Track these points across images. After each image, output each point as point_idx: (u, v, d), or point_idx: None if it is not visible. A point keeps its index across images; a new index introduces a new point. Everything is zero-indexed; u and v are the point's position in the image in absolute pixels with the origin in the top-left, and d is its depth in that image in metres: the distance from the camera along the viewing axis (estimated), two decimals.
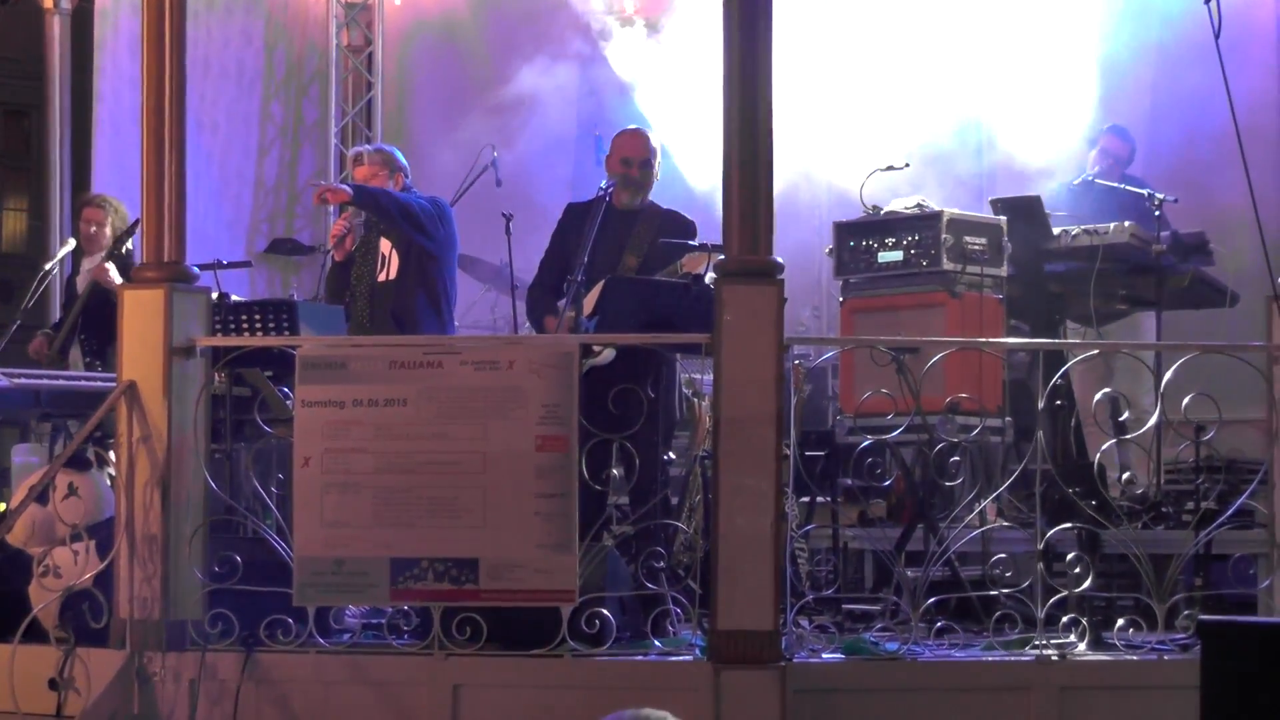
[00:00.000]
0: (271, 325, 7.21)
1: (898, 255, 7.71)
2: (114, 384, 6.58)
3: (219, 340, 6.66)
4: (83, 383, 8.22)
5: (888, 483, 7.30)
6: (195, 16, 8.03)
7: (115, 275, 8.65)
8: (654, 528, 6.84)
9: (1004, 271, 7.73)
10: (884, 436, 6.87)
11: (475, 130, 10.65)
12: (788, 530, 6.34)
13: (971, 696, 6.16)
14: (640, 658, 6.22)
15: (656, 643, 6.26)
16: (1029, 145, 9.64)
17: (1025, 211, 8.06)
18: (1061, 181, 8.89)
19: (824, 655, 6.26)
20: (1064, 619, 6.39)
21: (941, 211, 7.67)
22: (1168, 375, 6.49)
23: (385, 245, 8.30)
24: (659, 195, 7.80)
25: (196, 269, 6.59)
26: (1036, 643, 6.25)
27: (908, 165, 8.24)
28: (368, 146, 8.85)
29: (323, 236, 10.83)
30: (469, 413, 6.16)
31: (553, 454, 6.11)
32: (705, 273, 7.01)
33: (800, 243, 9.44)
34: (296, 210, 11.95)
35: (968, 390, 7.13)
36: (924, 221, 7.67)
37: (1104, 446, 7.13)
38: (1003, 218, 7.87)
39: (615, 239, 7.53)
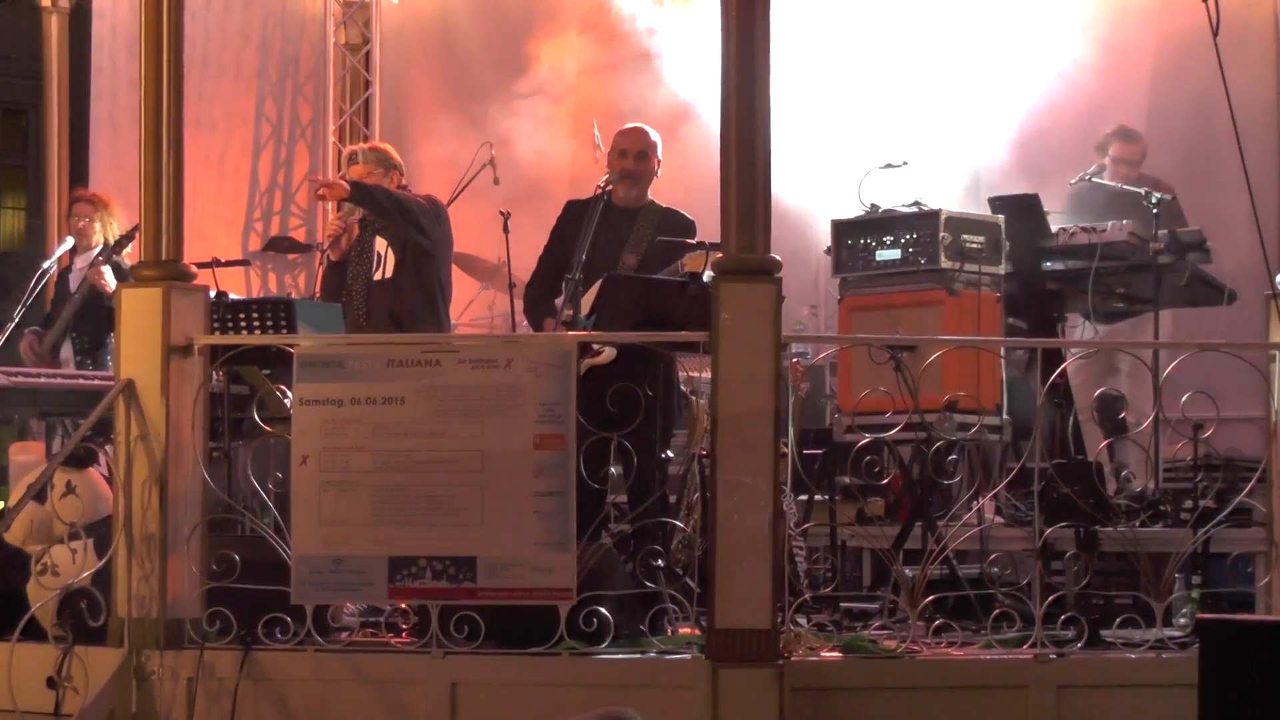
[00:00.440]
0: (269, 323, 7.21)
1: (896, 253, 7.70)
2: (112, 382, 6.58)
3: (217, 339, 6.66)
4: (81, 381, 8.22)
5: (885, 481, 7.30)
6: (193, 15, 8.01)
7: (110, 279, 8.65)
8: (652, 526, 6.83)
9: (1002, 269, 7.73)
10: (882, 434, 6.88)
11: (473, 128, 10.65)
12: (786, 528, 6.34)
13: (969, 694, 6.16)
14: (638, 656, 6.22)
15: (655, 641, 6.26)
16: (1029, 143, 9.65)
17: (1023, 209, 8.06)
18: (1062, 180, 8.89)
19: (822, 653, 6.26)
20: (1062, 617, 6.39)
21: (940, 209, 7.67)
22: (1165, 373, 6.50)
23: (381, 244, 8.30)
24: (664, 190, 7.80)
25: (194, 267, 6.59)
26: (1034, 641, 6.25)
27: (906, 163, 8.24)
28: (362, 145, 8.85)
29: (320, 235, 10.82)
30: (467, 411, 6.16)
31: (551, 452, 6.11)
32: (703, 271, 7.01)
33: (798, 241, 9.43)
34: (294, 209, 11.94)
35: (966, 388, 7.12)
36: (922, 219, 7.67)
37: (1101, 445, 7.14)
38: (1001, 216, 7.86)
39: (614, 237, 7.52)
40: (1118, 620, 6.47)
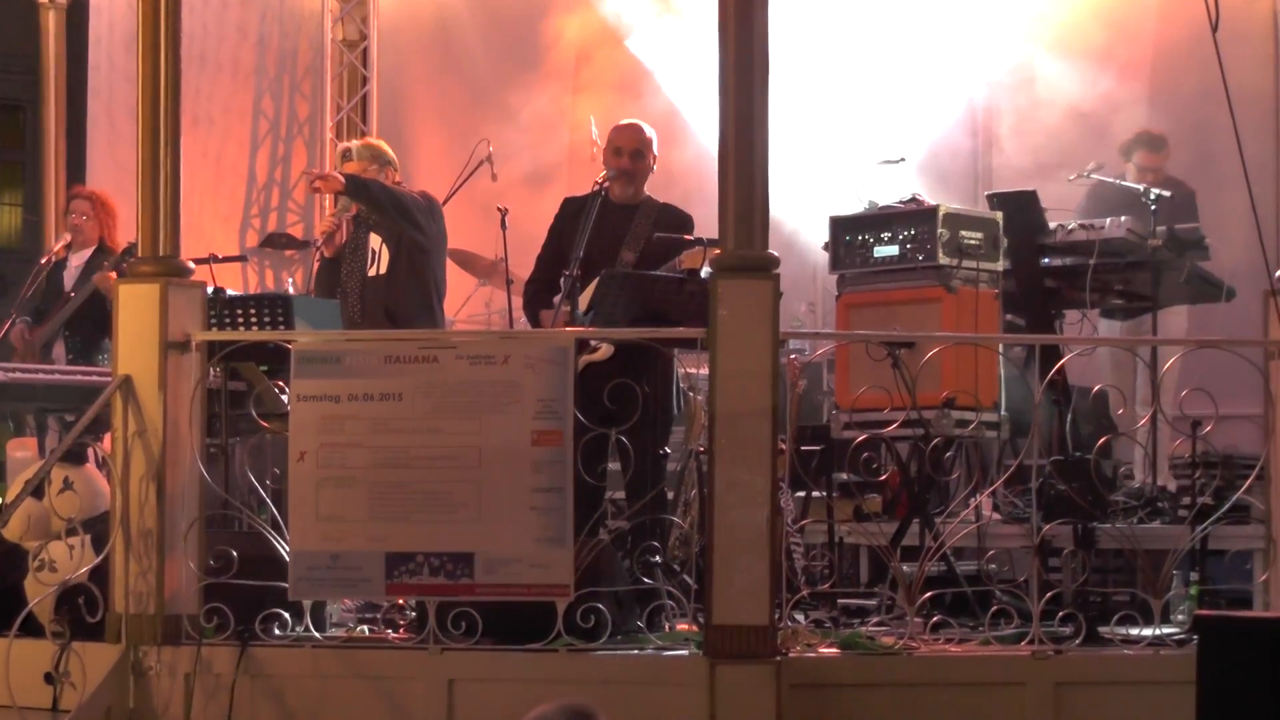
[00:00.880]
0: (267, 319, 7.21)
1: (893, 250, 7.69)
2: (109, 378, 6.58)
3: (214, 335, 6.66)
4: (78, 377, 8.22)
5: (883, 478, 7.30)
6: (190, 11, 7.98)
7: None
8: (650, 522, 6.83)
9: (1000, 266, 7.72)
10: (880, 431, 6.87)
11: (470, 124, 10.65)
12: (783, 525, 6.33)
13: (967, 691, 6.15)
14: (636, 652, 6.21)
15: (652, 637, 6.26)
16: (1028, 139, 9.65)
17: (1021, 206, 8.06)
18: (1063, 177, 8.89)
19: (819, 650, 6.26)
20: (1060, 614, 6.39)
21: (938, 206, 7.66)
22: (1164, 370, 6.50)
23: (375, 240, 8.28)
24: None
25: (191, 263, 6.59)
26: (1032, 638, 6.25)
27: (904, 160, 8.24)
28: (356, 142, 8.83)
29: (317, 231, 10.81)
30: (464, 407, 6.16)
31: (548, 448, 6.11)
32: (701, 267, 7.01)
33: (796, 237, 9.43)
34: (291, 205, 11.93)
35: (963, 385, 7.13)
36: (920, 216, 7.66)
37: (1100, 442, 7.13)
38: (999, 212, 7.86)
39: (612, 234, 7.51)
40: (1116, 617, 6.47)
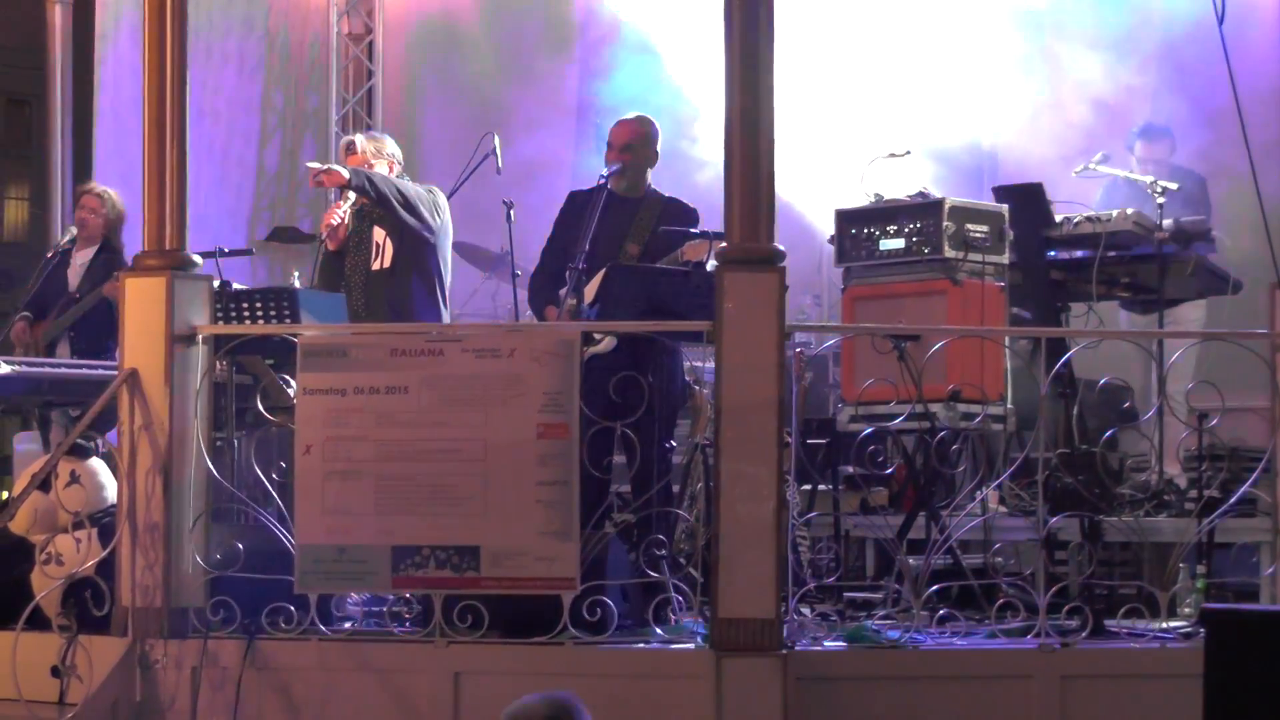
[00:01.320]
0: (273, 313, 7.20)
1: (899, 243, 7.69)
2: (115, 372, 6.58)
3: (220, 328, 6.66)
4: (84, 371, 8.21)
5: (889, 470, 7.30)
6: (196, 4, 7.99)
7: None
8: (655, 515, 6.83)
9: (1006, 259, 7.71)
10: (886, 424, 6.87)
11: (476, 117, 10.64)
12: (789, 518, 6.33)
13: (973, 684, 6.15)
14: (642, 646, 6.22)
15: (658, 630, 6.26)
16: (1033, 132, 9.63)
17: (1027, 199, 8.05)
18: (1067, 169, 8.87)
19: (825, 643, 6.26)
20: (1066, 607, 6.39)
21: (943, 199, 7.66)
22: (1170, 363, 6.49)
23: (379, 234, 8.26)
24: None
25: (198, 257, 6.59)
26: (1038, 631, 6.24)
27: (909, 153, 8.22)
28: (359, 134, 8.82)
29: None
30: (470, 400, 6.16)
31: (554, 441, 6.11)
32: (707, 260, 7.00)
33: (801, 230, 9.42)
34: (298, 198, 11.93)
35: (969, 378, 7.12)
36: (926, 209, 7.65)
37: (1106, 435, 7.13)
38: (1005, 205, 7.85)
39: (617, 227, 7.52)
40: (1122, 610, 6.46)
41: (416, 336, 6.39)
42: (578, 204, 7.63)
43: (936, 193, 7.83)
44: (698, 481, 7.24)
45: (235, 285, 7.52)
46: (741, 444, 6.04)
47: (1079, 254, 8.04)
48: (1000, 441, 7.60)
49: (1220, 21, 6.16)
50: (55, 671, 6.15)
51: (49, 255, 9.38)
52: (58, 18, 10.90)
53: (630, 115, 7.81)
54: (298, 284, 8.04)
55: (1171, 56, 9.73)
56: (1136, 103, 9.51)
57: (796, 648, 6.11)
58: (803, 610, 6.50)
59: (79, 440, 6.67)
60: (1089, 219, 8.01)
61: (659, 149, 7.73)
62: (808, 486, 7.57)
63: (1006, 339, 7.44)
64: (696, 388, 7.66)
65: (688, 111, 9.63)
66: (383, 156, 8.36)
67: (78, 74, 11.33)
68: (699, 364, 7.39)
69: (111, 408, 6.42)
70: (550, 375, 6.13)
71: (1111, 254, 7.90)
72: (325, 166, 8.18)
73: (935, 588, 6.42)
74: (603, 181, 7.52)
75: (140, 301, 6.39)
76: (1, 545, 6.74)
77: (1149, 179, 8.31)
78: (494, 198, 8.75)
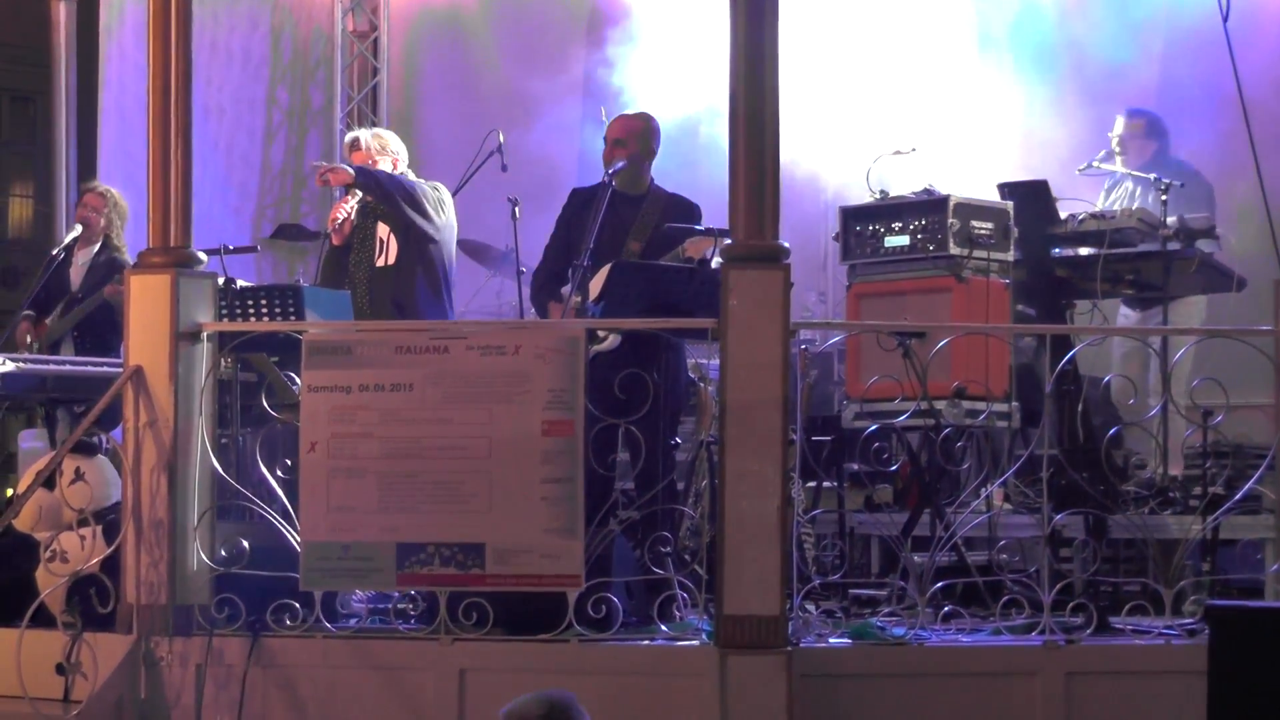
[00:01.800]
0: (278, 310, 7.21)
1: (904, 240, 7.68)
2: (120, 370, 6.58)
3: (225, 325, 6.67)
4: (89, 368, 8.22)
5: (894, 467, 7.30)
6: (201, 1, 8.01)
7: None
8: (660, 513, 6.83)
9: (1011, 256, 7.71)
10: (890, 421, 6.87)
11: (481, 114, 10.63)
12: (794, 515, 6.33)
13: (978, 681, 6.16)
14: (646, 643, 6.22)
15: (663, 627, 6.27)
16: (1038, 130, 9.62)
17: (1032, 196, 8.05)
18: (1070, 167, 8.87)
19: (830, 640, 6.27)
20: (1071, 604, 6.38)
21: (948, 196, 7.65)
22: (1175, 360, 6.49)
23: (383, 230, 8.27)
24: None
25: (203, 254, 6.60)
26: (1043, 628, 6.24)
27: (914, 150, 8.21)
28: (364, 131, 8.82)
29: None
30: (475, 398, 6.16)
31: (559, 439, 6.11)
32: (711, 257, 7.01)
33: (806, 227, 9.41)
34: (303, 195, 11.92)
35: (974, 375, 7.12)
36: (930, 206, 7.64)
37: (1111, 432, 7.11)
38: (1009, 202, 7.85)
39: (620, 224, 7.52)
40: (1127, 607, 6.47)
41: (421, 333, 6.39)
42: (580, 201, 7.64)
43: (942, 190, 7.83)
44: (702, 478, 7.24)
45: (240, 282, 7.52)
46: (746, 441, 6.04)
47: (1084, 251, 8.03)
48: (1005, 438, 7.60)
49: (1225, 19, 6.16)
50: (60, 669, 6.15)
51: (53, 253, 9.39)
52: (62, 15, 10.89)
53: (624, 113, 7.83)
54: (302, 281, 8.04)
55: (1175, 55, 9.73)
56: (1141, 98, 9.50)
57: (801, 645, 6.11)
58: (808, 607, 6.50)
59: (84, 437, 6.68)
60: (1093, 216, 8.01)
61: (656, 146, 7.71)
62: (812, 483, 7.56)
63: (1011, 336, 7.43)
64: (701, 384, 7.67)
65: (697, 105, 9.63)
66: (387, 153, 8.37)
67: (82, 71, 11.32)
68: (704, 361, 7.39)
69: (116, 405, 6.43)
70: (555, 372, 6.13)
71: (1116, 251, 7.89)
72: (331, 165, 8.19)
73: (940, 585, 6.42)
74: (607, 179, 7.52)
75: (145, 298, 6.39)
76: (6, 542, 6.75)
77: (1151, 176, 8.31)
78: (499, 195, 8.75)
